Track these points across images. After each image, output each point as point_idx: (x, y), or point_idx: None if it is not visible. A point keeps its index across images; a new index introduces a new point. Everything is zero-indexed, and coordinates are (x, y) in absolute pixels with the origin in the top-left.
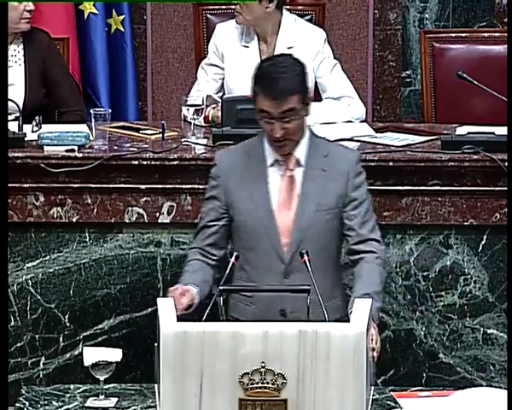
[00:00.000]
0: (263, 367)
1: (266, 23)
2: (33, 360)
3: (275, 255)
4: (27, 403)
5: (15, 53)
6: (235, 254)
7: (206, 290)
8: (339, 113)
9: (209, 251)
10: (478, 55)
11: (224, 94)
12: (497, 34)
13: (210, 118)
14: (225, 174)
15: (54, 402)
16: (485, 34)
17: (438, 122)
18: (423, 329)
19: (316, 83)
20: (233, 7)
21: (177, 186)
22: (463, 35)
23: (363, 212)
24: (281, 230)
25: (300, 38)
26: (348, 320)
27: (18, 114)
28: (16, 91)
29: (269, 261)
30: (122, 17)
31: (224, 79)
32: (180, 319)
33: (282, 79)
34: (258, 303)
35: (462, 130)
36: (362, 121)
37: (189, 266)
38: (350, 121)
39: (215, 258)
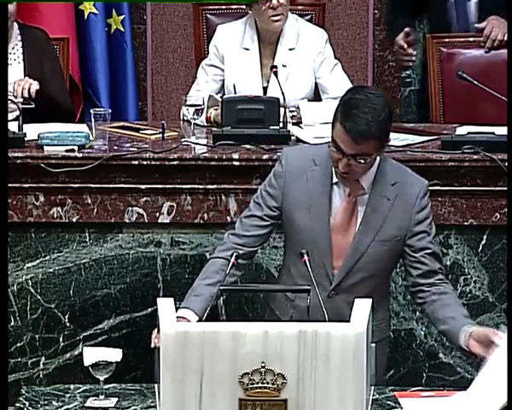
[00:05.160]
0: (263, 367)
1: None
2: (33, 360)
3: (324, 273)
4: (27, 403)
5: (14, 51)
6: (234, 254)
7: (215, 300)
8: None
9: (247, 244)
10: (486, 59)
11: (224, 95)
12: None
13: (212, 119)
14: (288, 177)
15: (54, 402)
16: None
17: None
18: (423, 329)
19: (316, 83)
20: (233, 7)
21: (177, 186)
22: (471, 40)
23: (425, 245)
24: (334, 252)
25: (302, 40)
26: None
27: (18, 114)
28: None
29: (317, 277)
30: (122, 17)
31: (224, 80)
32: None
33: (364, 121)
34: (297, 309)
35: (462, 130)
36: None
37: (211, 268)
38: None
39: (251, 251)
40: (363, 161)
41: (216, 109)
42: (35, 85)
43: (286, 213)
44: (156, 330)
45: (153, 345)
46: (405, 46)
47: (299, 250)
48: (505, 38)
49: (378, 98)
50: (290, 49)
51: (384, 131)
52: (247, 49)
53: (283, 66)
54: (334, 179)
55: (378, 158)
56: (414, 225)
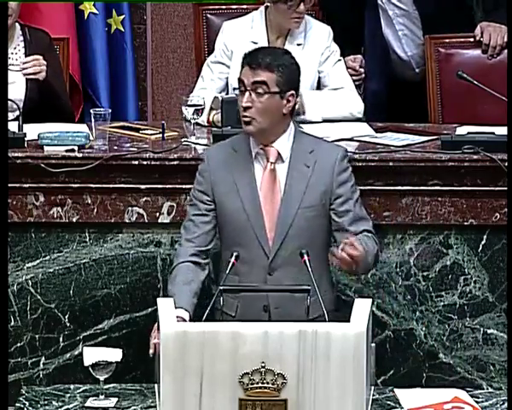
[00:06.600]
0: (263, 367)
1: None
2: (33, 360)
3: (260, 250)
4: (27, 403)
5: (16, 51)
6: (235, 254)
7: (196, 299)
8: (338, 104)
9: (200, 244)
10: (484, 59)
11: (227, 93)
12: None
13: (212, 122)
14: (212, 170)
15: (54, 402)
16: None
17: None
18: (423, 329)
19: (319, 78)
20: (233, 7)
21: (177, 186)
22: (470, 40)
23: (351, 209)
24: (267, 224)
25: (309, 36)
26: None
27: (18, 114)
28: (17, 90)
29: (254, 256)
30: (122, 17)
31: (228, 77)
32: None
33: (265, 55)
34: (241, 297)
35: (462, 130)
36: (362, 121)
37: (180, 272)
38: (349, 117)
39: (206, 249)
40: (261, 91)
41: (219, 113)
42: (43, 74)
43: (218, 202)
44: (156, 326)
45: (151, 351)
46: (354, 65)
47: (236, 239)
48: (505, 40)
49: (281, 50)
50: (298, 45)
51: (286, 69)
52: (256, 43)
53: None
54: (253, 154)
55: (293, 129)
56: (336, 187)
